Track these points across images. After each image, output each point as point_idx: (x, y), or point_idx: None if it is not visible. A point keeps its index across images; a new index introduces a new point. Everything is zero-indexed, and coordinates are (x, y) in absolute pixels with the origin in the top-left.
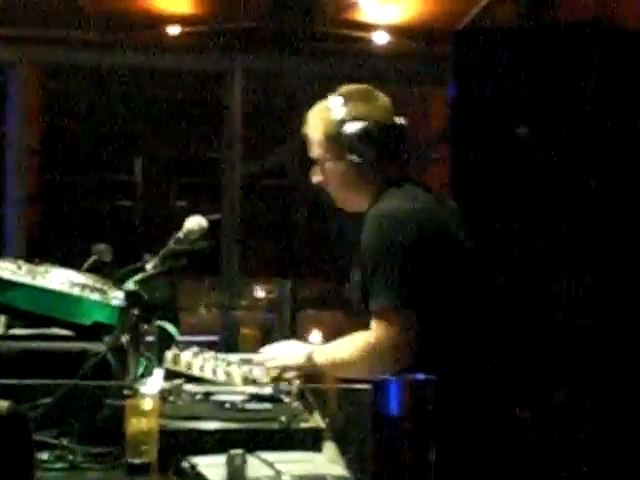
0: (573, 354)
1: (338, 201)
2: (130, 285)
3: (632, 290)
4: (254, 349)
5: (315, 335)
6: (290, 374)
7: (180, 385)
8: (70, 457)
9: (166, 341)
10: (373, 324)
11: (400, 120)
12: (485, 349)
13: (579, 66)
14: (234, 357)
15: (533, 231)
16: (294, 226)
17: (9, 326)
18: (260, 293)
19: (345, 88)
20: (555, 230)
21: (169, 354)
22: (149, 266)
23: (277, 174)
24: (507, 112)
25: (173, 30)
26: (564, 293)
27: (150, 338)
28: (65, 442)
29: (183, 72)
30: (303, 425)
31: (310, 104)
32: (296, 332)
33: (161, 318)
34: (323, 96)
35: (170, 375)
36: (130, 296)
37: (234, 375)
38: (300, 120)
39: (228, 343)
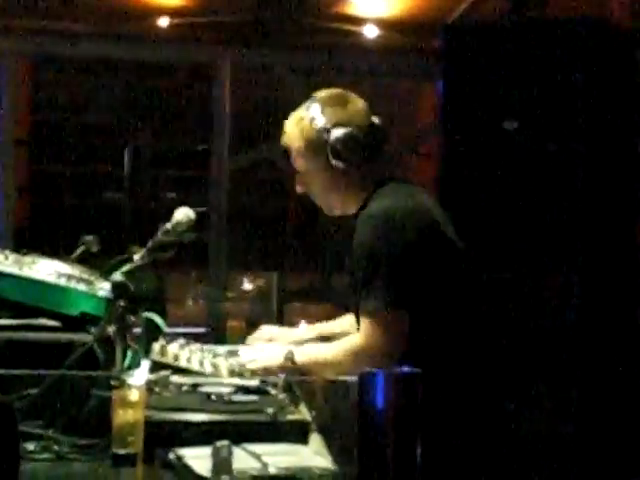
0: (561, 351)
1: (325, 208)
2: (117, 276)
3: (620, 283)
4: (241, 341)
5: (303, 327)
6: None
7: (167, 377)
8: (56, 448)
9: (153, 333)
10: (363, 325)
11: (376, 120)
12: (476, 347)
13: (568, 61)
14: (221, 349)
15: (522, 226)
16: (282, 218)
17: None
18: (247, 285)
19: (319, 95)
20: (544, 224)
21: (156, 346)
22: (136, 257)
23: (265, 167)
24: (496, 106)
25: (162, 22)
26: (553, 288)
27: (137, 330)
28: (51, 433)
29: (172, 64)
30: (289, 417)
31: (298, 98)
32: (283, 324)
33: (148, 310)
34: (312, 90)
35: (157, 367)
36: (117, 287)
37: (221, 367)
38: (288, 114)
39: (215, 335)
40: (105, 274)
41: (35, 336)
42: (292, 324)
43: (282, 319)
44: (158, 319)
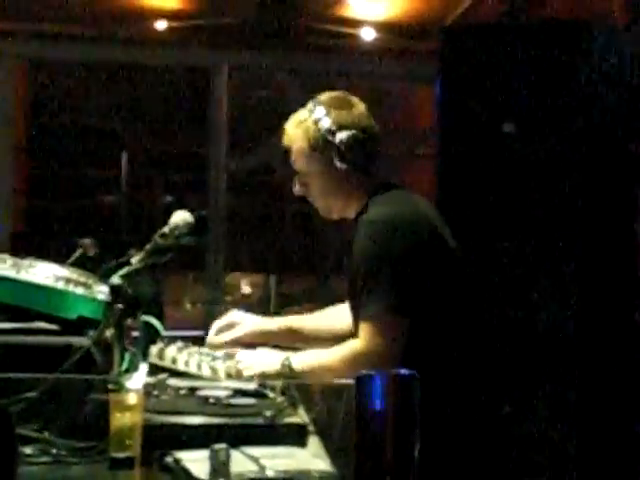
0: (559, 353)
1: (323, 210)
2: (115, 280)
3: (616, 288)
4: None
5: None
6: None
7: (165, 380)
8: (54, 451)
9: (151, 336)
10: (363, 330)
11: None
12: (474, 351)
13: (566, 63)
14: (219, 352)
15: (520, 228)
16: (281, 222)
17: None
18: (245, 288)
19: (322, 97)
20: (542, 227)
21: (154, 349)
22: (134, 261)
23: (264, 171)
24: (494, 108)
25: (160, 25)
26: (550, 290)
27: (135, 333)
28: (49, 436)
29: (170, 67)
30: (287, 420)
31: (296, 100)
32: None
33: (146, 313)
34: (310, 92)
35: (155, 370)
36: (115, 291)
37: (219, 370)
38: (287, 116)
39: None
40: (103, 277)
41: (33, 339)
42: None
43: None
44: (156, 322)
